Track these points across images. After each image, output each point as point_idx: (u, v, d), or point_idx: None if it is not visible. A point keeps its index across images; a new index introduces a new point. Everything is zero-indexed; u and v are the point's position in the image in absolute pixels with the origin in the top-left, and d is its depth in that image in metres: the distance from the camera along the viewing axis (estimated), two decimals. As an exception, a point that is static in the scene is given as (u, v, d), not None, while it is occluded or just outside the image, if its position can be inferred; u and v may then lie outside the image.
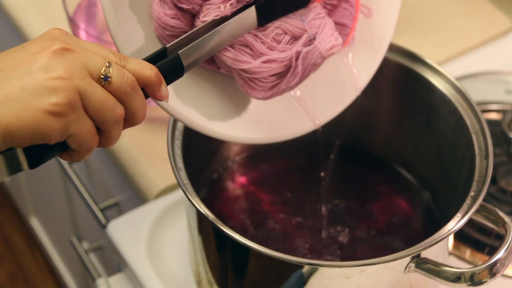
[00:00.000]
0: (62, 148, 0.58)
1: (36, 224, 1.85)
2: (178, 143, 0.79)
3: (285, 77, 0.73)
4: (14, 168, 0.57)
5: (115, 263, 0.97)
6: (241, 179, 0.94)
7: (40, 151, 0.57)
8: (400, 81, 0.89)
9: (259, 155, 0.96)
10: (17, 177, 1.77)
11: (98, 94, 0.57)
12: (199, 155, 0.88)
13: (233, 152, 0.95)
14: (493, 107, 1.06)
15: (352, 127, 0.94)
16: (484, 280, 0.71)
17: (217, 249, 0.79)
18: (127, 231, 0.94)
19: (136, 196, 1.03)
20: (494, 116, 1.05)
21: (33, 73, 0.55)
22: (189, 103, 0.74)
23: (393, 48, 0.87)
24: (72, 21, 1.02)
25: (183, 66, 0.66)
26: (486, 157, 0.78)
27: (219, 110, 0.76)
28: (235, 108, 0.77)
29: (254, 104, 0.78)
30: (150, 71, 0.61)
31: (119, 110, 0.59)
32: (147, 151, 1.01)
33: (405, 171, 0.94)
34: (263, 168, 0.95)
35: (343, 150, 0.96)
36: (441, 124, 0.86)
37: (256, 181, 0.94)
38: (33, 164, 0.57)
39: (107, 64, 0.58)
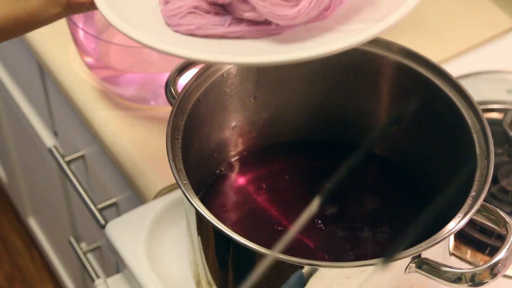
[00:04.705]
0: None
1: (34, 224, 1.85)
2: (177, 143, 0.79)
3: None
4: None
5: (114, 263, 0.97)
6: (241, 179, 0.94)
7: None
8: (401, 81, 0.88)
9: (258, 155, 0.95)
10: (15, 177, 1.77)
11: None
12: (199, 156, 0.87)
13: (233, 152, 0.95)
14: (494, 106, 1.06)
15: (352, 126, 0.94)
16: (485, 281, 0.71)
17: (216, 249, 0.79)
18: (126, 232, 0.93)
19: (135, 197, 1.02)
20: (495, 115, 1.05)
21: None
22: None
23: (393, 47, 0.87)
24: (70, 20, 1.02)
25: None
26: (487, 157, 0.78)
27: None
28: None
29: None
30: None
31: None
32: (146, 151, 1.00)
33: (405, 171, 0.94)
34: (263, 168, 0.95)
35: (343, 150, 0.96)
36: (441, 124, 0.86)
37: (256, 181, 0.94)
38: None
39: None
